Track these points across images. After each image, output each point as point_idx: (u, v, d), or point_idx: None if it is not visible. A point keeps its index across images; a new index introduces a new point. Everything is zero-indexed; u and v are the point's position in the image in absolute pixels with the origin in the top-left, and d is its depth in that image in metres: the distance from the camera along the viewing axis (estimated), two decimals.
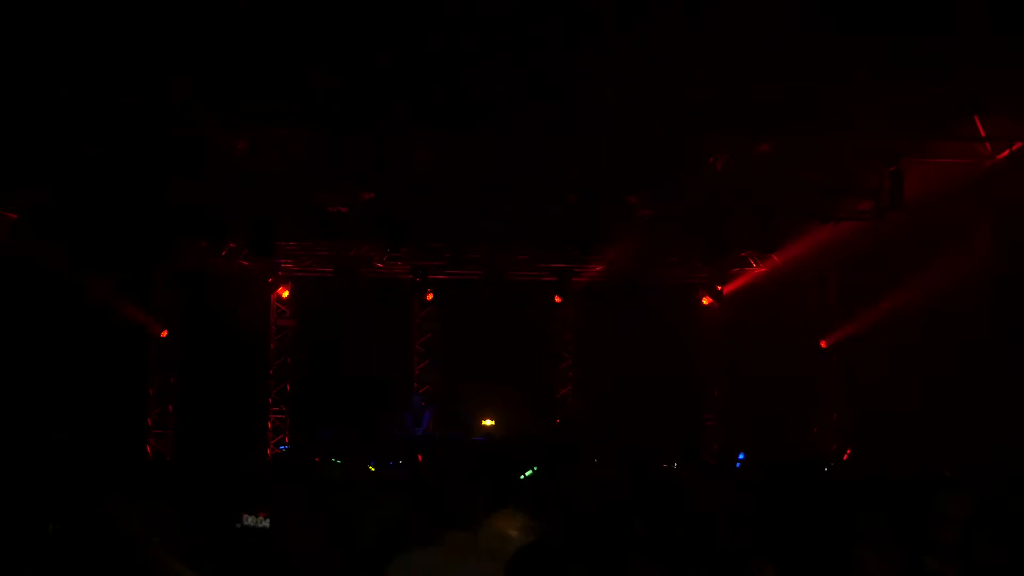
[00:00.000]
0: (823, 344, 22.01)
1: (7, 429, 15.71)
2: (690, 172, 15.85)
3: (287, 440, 23.26)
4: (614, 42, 11.46)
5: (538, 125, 14.02)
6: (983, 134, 13.74)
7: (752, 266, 21.38)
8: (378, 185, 16.68)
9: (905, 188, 14.16)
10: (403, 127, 14.37)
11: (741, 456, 20.50)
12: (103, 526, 3.33)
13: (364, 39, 11.42)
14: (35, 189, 15.64)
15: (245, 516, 4.36)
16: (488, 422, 22.95)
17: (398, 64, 12.08)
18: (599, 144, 15.11)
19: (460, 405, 22.92)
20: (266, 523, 4.38)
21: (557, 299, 22.86)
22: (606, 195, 16.69)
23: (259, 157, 15.92)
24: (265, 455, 22.73)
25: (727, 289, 22.70)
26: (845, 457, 20.89)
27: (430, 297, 22.86)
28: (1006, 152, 13.99)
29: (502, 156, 15.27)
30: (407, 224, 17.11)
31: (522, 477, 8.97)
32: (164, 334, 22.04)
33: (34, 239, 16.53)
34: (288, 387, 23.45)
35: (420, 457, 18.65)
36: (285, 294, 23.20)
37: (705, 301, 23.11)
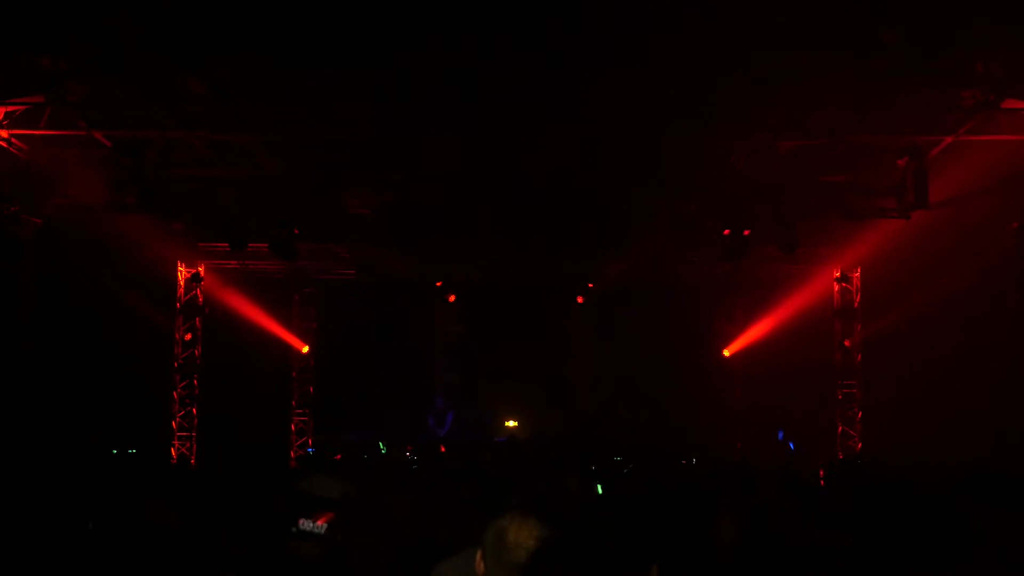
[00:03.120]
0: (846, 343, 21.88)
1: (44, 431, 15.84)
2: (711, 172, 15.84)
3: (311, 443, 23.34)
4: (637, 42, 11.44)
5: (557, 125, 14.04)
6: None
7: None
8: (399, 187, 16.74)
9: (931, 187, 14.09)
10: (424, 129, 14.41)
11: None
12: (141, 523, 3.37)
13: (387, 40, 11.41)
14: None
15: (302, 521, 4.39)
16: (511, 423, 22.97)
17: (420, 65, 12.08)
18: (619, 144, 15.12)
19: (482, 406, 22.96)
20: (323, 528, 4.41)
21: (579, 299, 22.86)
22: (627, 196, 16.70)
23: (279, 160, 16.09)
24: (288, 457, 22.84)
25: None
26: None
27: (452, 299, 22.90)
28: None
29: (523, 158, 15.28)
30: (428, 226, 17.13)
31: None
32: (188, 337, 22.20)
33: (65, 244, 16.67)
34: (311, 389, 23.54)
35: (443, 448, 18.66)
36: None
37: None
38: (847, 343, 21.89)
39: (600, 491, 8.99)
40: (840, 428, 21.64)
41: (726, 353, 23.95)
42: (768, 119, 13.67)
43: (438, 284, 22.40)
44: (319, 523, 4.33)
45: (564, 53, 11.57)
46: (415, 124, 14.04)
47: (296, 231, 17.03)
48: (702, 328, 23.27)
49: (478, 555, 4.50)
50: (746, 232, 16.70)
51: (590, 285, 22.42)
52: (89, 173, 15.38)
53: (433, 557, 4.93)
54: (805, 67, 11.90)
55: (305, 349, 24.02)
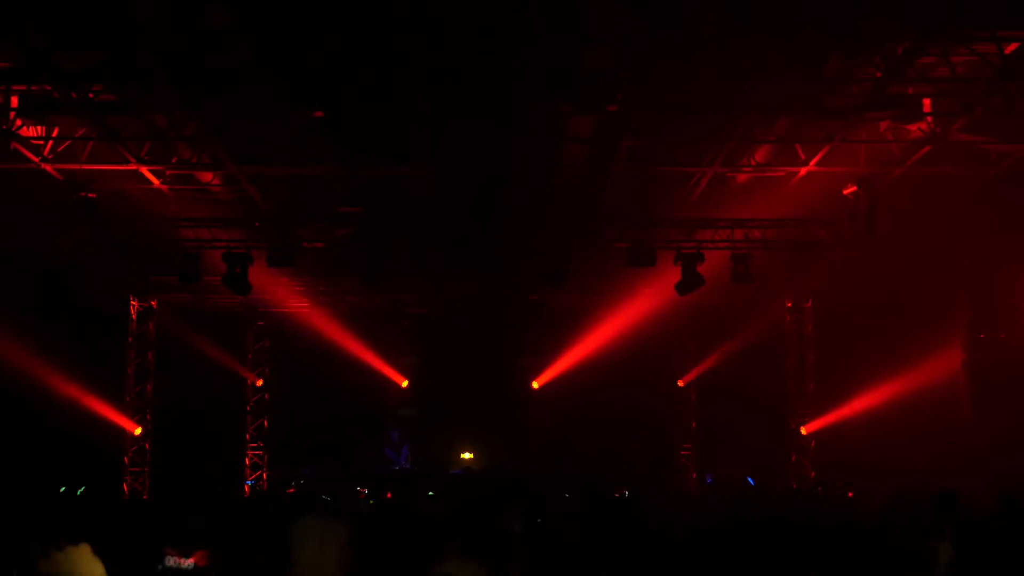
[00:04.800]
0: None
1: None
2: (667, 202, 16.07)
3: (265, 476, 23.16)
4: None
5: (513, 159, 14.15)
6: None
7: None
8: (354, 221, 16.77)
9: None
10: (380, 162, 14.45)
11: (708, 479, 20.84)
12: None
13: (345, 73, 11.46)
14: None
15: (168, 556, 4.21)
16: (466, 455, 22.93)
17: (378, 99, 12.14)
18: (575, 179, 15.25)
19: (438, 438, 22.91)
20: (191, 565, 4.25)
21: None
22: (581, 228, 16.81)
23: (235, 193, 16.07)
24: (242, 490, 22.64)
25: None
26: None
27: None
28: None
29: (477, 190, 15.37)
30: (383, 259, 17.11)
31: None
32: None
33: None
34: (266, 423, 23.38)
35: (389, 495, 18.51)
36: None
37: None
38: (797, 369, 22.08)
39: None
40: (794, 457, 21.77)
41: (680, 383, 24.14)
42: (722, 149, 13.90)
43: (404, 325, 22.51)
44: (187, 561, 4.16)
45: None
46: (369, 157, 14.13)
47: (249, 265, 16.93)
48: (659, 358, 23.36)
49: None
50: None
51: (545, 314, 22.40)
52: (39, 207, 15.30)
53: None
54: (754, 99, 12.11)
55: (259, 383, 23.91)
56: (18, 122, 12.60)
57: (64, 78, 11.41)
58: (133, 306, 21.99)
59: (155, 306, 22.01)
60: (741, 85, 11.77)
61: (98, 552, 3.69)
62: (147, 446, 21.93)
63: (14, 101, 12.09)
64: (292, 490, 19.56)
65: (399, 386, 23.61)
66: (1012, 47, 10.81)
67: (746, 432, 21.25)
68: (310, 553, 5.79)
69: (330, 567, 5.58)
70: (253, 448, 23.35)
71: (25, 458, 17.19)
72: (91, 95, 11.94)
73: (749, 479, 19.75)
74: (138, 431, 21.70)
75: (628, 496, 17.75)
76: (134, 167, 14.21)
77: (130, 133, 13.45)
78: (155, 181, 14.99)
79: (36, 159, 13.46)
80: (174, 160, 14.47)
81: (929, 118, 12.52)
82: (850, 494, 18.21)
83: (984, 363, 17.11)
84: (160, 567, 4.02)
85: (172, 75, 11.43)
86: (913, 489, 10.76)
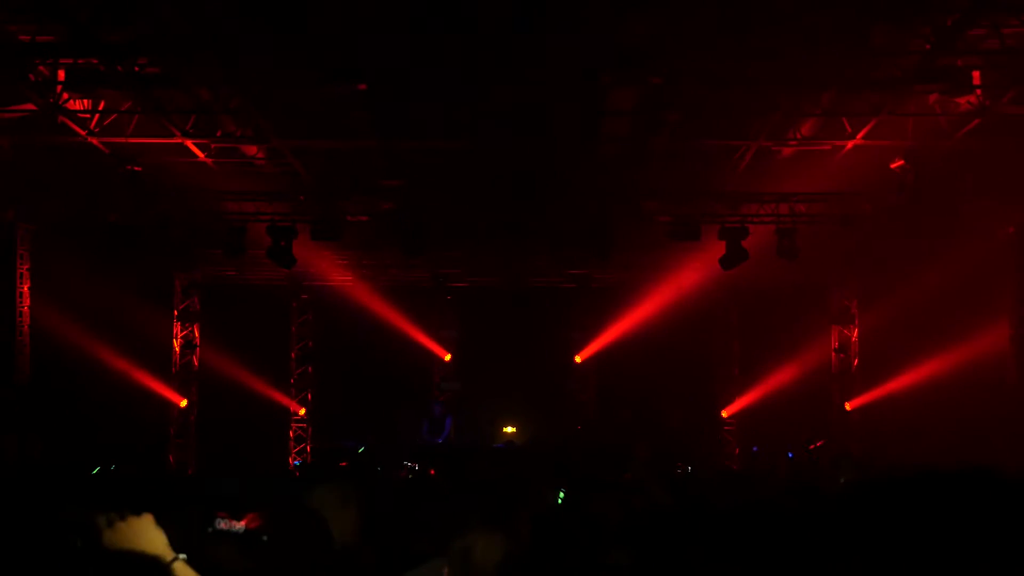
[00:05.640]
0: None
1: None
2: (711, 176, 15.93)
3: (309, 449, 23.33)
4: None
5: (554, 132, 14.09)
6: None
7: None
8: (397, 194, 16.79)
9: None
10: (422, 135, 14.46)
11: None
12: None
13: (384, 45, 11.44)
14: None
15: (219, 520, 4.16)
16: (509, 429, 22.97)
17: (417, 72, 12.11)
18: (616, 149, 15.18)
19: (480, 412, 22.95)
20: (241, 527, 4.20)
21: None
22: (624, 203, 16.75)
23: (279, 166, 16.14)
24: (287, 464, 22.83)
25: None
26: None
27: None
28: None
29: (519, 163, 15.32)
30: (426, 232, 17.13)
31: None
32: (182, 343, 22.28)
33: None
34: (309, 396, 23.52)
35: (432, 472, 18.54)
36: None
37: None
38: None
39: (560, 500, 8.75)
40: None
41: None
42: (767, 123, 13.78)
43: (447, 298, 22.54)
44: (239, 524, 4.14)
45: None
46: (411, 130, 14.13)
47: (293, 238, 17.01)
48: (703, 333, 23.23)
49: (444, 570, 4.49)
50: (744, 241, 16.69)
51: (590, 290, 22.35)
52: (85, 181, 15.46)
53: (403, 567, 4.89)
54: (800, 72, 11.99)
55: (302, 356, 24.03)
56: (65, 96, 12.70)
57: (109, 51, 11.48)
58: (178, 279, 22.21)
59: (199, 279, 22.22)
60: (787, 57, 11.65)
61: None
62: (192, 419, 22.19)
63: (60, 75, 12.17)
64: (344, 464, 19.63)
65: (442, 360, 23.65)
66: None
67: (788, 408, 21.15)
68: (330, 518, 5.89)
69: (348, 533, 5.67)
70: (297, 421, 23.51)
71: (75, 432, 17.49)
72: (136, 68, 12.00)
73: (789, 454, 19.62)
74: (183, 403, 21.96)
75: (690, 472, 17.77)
76: (179, 140, 14.31)
77: (175, 107, 13.55)
78: (200, 154, 15.09)
79: (83, 132, 13.58)
80: (219, 133, 14.56)
81: (978, 90, 12.34)
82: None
83: None
84: (211, 529, 4.03)
85: (214, 47, 11.47)
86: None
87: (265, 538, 4.13)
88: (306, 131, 14.52)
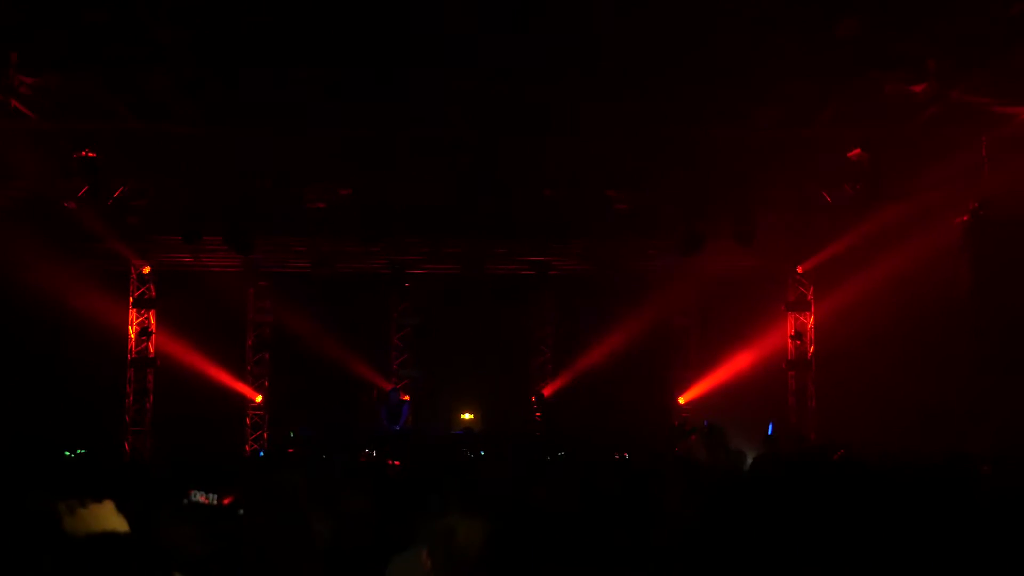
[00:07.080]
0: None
1: None
2: (668, 164, 15.95)
3: (265, 437, 23.22)
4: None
5: (515, 119, 14.08)
6: None
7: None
8: (355, 180, 16.71)
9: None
10: (381, 123, 14.39)
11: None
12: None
13: (344, 35, 11.39)
14: None
15: (194, 493, 4.16)
16: (467, 416, 22.97)
17: (376, 61, 12.07)
18: (577, 137, 15.17)
19: (438, 399, 22.94)
20: (214, 498, 4.19)
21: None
22: (584, 188, 16.75)
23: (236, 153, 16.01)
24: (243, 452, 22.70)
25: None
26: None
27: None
28: None
29: (479, 150, 15.30)
30: (385, 219, 17.09)
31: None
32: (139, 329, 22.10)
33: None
34: (267, 383, 23.40)
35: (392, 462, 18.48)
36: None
37: None
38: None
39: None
40: (794, 419, 21.87)
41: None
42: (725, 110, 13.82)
43: (406, 285, 22.44)
44: (213, 497, 4.11)
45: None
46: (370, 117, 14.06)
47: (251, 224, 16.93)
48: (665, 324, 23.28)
49: (423, 553, 4.49)
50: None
51: (548, 277, 22.30)
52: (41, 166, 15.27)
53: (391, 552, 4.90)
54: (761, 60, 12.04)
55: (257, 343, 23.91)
56: (18, 78, 12.52)
57: (64, 35, 11.33)
58: (134, 266, 22.00)
59: (156, 266, 22.02)
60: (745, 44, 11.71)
61: (124, 499, 3.76)
62: (148, 406, 22.03)
63: (14, 57, 12.00)
64: (292, 451, 19.57)
65: (400, 347, 23.60)
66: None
67: (745, 395, 21.28)
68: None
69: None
70: (254, 408, 23.38)
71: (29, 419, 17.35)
72: (92, 52, 11.84)
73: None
74: (139, 391, 21.81)
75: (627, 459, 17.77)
76: (133, 125, 14.15)
77: (131, 90, 13.38)
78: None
79: (35, 116, 13.40)
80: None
81: (933, 78, 12.44)
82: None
83: None
84: (186, 501, 4.03)
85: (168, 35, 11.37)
86: None
87: (241, 512, 4.13)
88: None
